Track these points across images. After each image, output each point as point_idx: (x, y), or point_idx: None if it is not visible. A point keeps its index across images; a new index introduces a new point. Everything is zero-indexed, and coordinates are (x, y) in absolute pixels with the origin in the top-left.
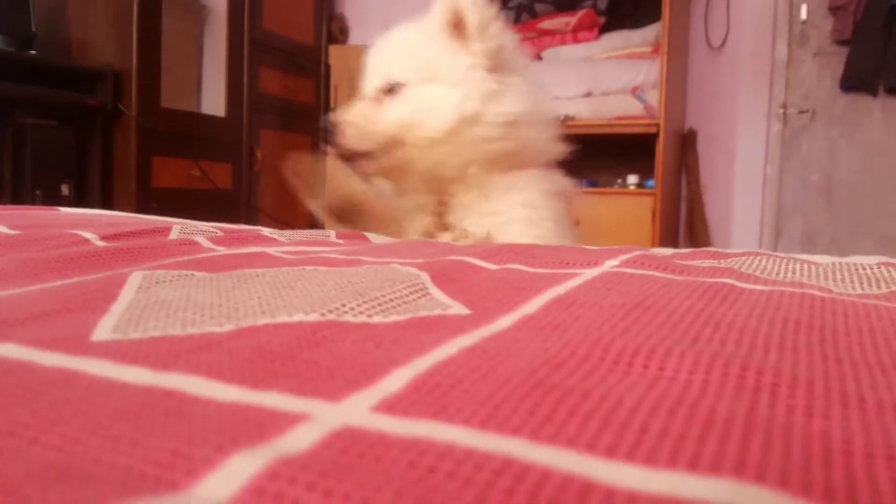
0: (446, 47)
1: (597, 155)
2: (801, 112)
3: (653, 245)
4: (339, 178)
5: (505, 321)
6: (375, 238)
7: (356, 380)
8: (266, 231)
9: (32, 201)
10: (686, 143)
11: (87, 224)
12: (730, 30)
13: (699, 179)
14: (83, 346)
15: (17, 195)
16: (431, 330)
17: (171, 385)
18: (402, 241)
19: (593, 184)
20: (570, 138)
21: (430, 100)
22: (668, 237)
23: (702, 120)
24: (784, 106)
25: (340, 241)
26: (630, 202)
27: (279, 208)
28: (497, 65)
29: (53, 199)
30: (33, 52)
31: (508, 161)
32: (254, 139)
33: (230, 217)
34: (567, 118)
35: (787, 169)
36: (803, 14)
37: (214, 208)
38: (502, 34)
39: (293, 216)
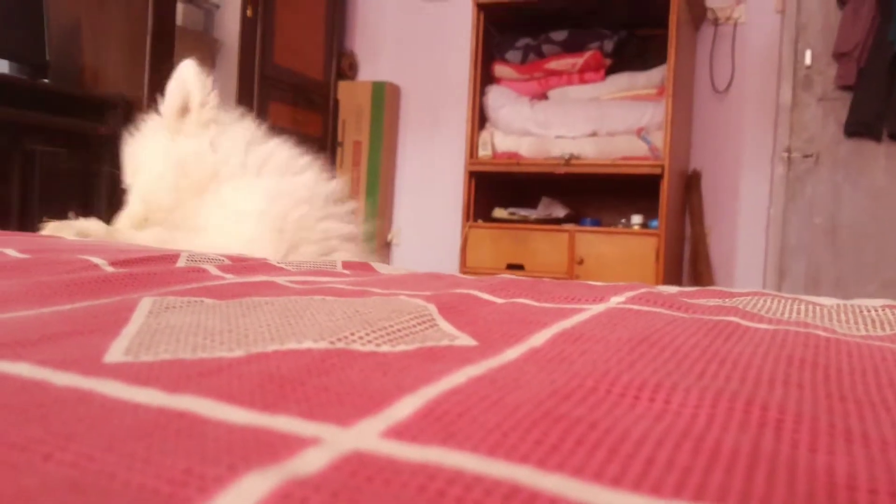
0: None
1: (601, 194)
2: (806, 156)
3: (656, 284)
4: None
5: (512, 353)
6: (382, 269)
7: (365, 406)
8: (273, 260)
9: (40, 227)
10: (690, 184)
11: (95, 250)
12: (735, 73)
13: (703, 221)
14: (95, 367)
15: (25, 220)
16: (439, 360)
17: (182, 406)
18: (410, 273)
19: (597, 223)
20: (576, 177)
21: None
22: (672, 277)
23: (706, 162)
24: (788, 150)
25: (347, 272)
26: (634, 242)
27: None
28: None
29: None
30: (46, 80)
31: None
32: None
33: None
34: (572, 157)
35: (791, 211)
36: (808, 59)
37: None
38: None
39: None
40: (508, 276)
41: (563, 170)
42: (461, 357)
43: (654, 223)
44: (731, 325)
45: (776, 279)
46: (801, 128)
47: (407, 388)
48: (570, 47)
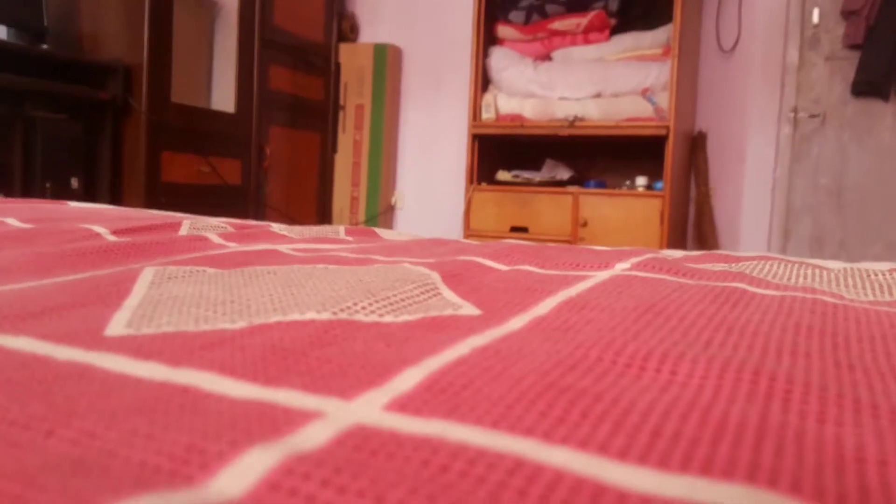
0: None
1: (606, 156)
2: (812, 116)
3: (660, 247)
4: None
5: (516, 322)
6: (385, 235)
7: (368, 378)
8: (276, 227)
9: (42, 194)
10: (696, 145)
11: (97, 218)
12: (741, 32)
13: (708, 182)
14: (97, 341)
15: (27, 187)
16: (443, 330)
17: (184, 381)
18: (413, 239)
19: (602, 184)
20: (580, 139)
21: None
22: (677, 239)
23: (712, 122)
24: (795, 109)
25: (350, 239)
26: (639, 204)
27: (288, 204)
28: None
29: (63, 192)
30: (45, 46)
31: None
32: (263, 136)
33: (238, 212)
34: (576, 119)
35: (796, 172)
36: (815, 18)
37: (223, 203)
38: None
39: (302, 212)
40: (513, 241)
41: (567, 132)
42: (465, 327)
43: (659, 185)
44: (737, 292)
45: (781, 241)
46: (807, 87)
47: (410, 360)
48: (574, 7)
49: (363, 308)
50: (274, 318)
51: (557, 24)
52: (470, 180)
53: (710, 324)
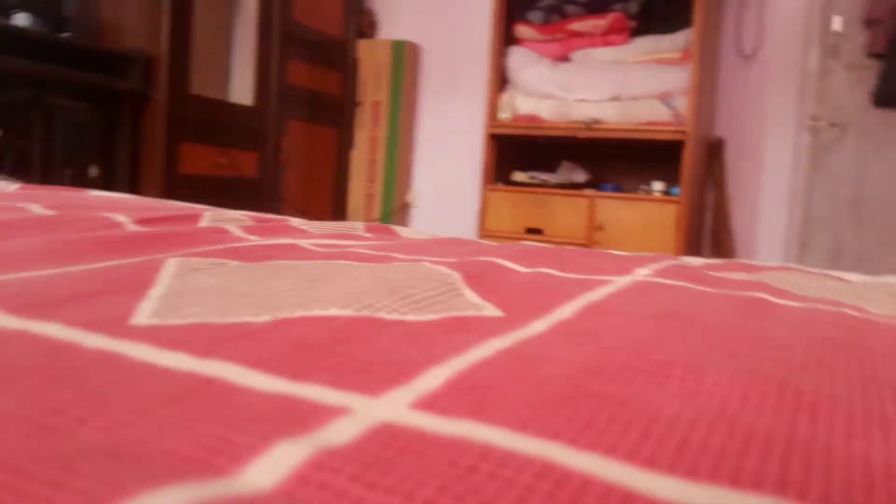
0: None
1: (622, 160)
2: (832, 125)
3: (676, 254)
4: None
5: (539, 325)
6: (404, 232)
7: (393, 376)
8: (295, 221)
9: (60, 181)
10: (714, 151)
11: (119, 207)
12: (762, 38)
13: (726, 189)
14: (124, 330)
15: (46, 174)
16: (466, 330)
17: (212, 372)
18: (432, 238)
19: (618, 188)
20: (597, 141)
21: None
22: (693, 246)
23: (730, 129)
24: (814, 118)
25: (369, 235)
26: (655, 209)
27: (304, 199)
28: None
29: (81, 180)
30: (65, 34)
31: None
32: (280, 129)
33: (254, 206)
34: (594, 121)
35: (815, 182)
36: (837, 25)
37: (239, 196)
38: None
39: (317, 207)
40: (531, 243)
41: (584, 134)
42: (488, 328)
43: (676, 190)
44: (760, 302)
45: (798, 251)
46: (828, 96)
47: (435, 359)
48: (594, 8)
49: (386, 306)
50: (298, 313)
51: (577, 25)
52: (486, 180)
53: (734, 333)
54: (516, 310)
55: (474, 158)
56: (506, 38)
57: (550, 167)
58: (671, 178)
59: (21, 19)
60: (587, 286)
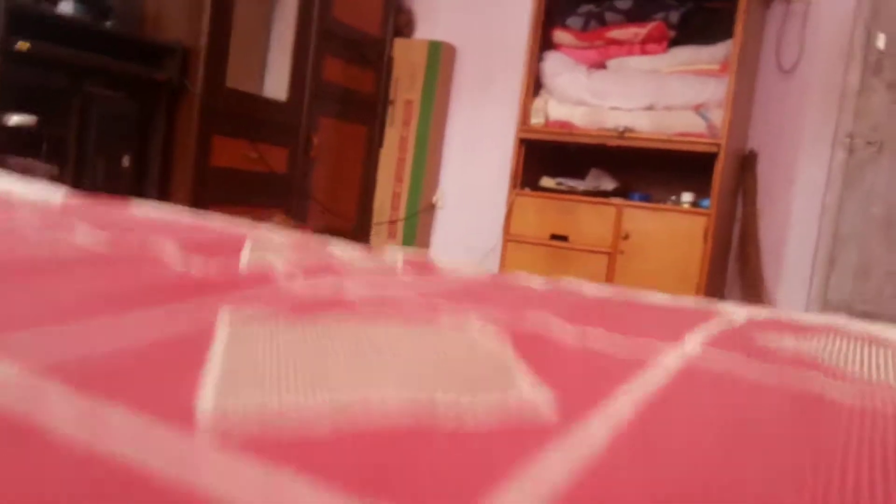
0: None
1: (653, 169)
2: (869, 143)
3: (702, 266)
4: None
5: (597, 428)
6: (444, 267)
7: (461, 498)
8: (335, 251)
9: (94, 170)
10: (746, 164)
11: (165, 230)
12: (803, 53)
13: (756, 202)
14: (190, 423)
15: (80, 162)
16: (522, 437)
17: (285, 487)
18: (474, 278)
19: (647, 197)
20: (628, 150)
21: None
22: (719, 258)
23: (764, 142)
24: (851, 135)
25: (409, 275)
26: (683, 220)
27: (331, 195)
28: None
29: (115, 169)
30: (108, 23)
31: None
32: (312, 125)
33: (282, 201)
34: (626, 129)
35: (847, 199)
36: (881, 43)
37: (268, 191)
38: None
39: (344, 204)
40: (573, 282)
41: (616, 142)
42: (545, 434)
43: (705, 203)
44: (817, 400)
45: (825, 268)
46: (866, 114)
47: (499, 476)
48: (634, 16)
49: (442, 394)
50: (355, 396)
51: (615, 33)
52: (513, 184)
53: (797, 449)
54: (571, 398)
55: (503, 162)
56: (543, 43)
57: (580, 174)
58: (701, 190)
59: (66, 7)
60: (640, 365)
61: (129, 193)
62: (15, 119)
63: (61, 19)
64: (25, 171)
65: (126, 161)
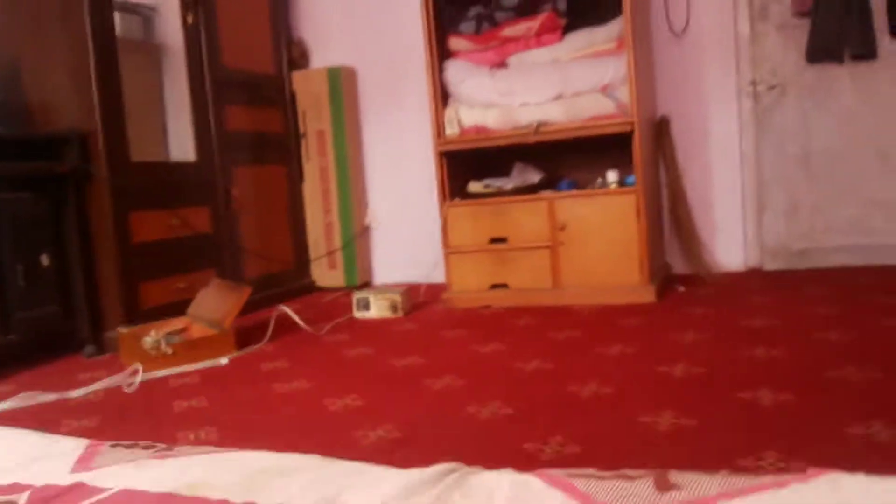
0: None
1: (574, 154)
2: (771, 87)
3: (640, 241)
4: None
5: None
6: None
7: None
8: None
9: (13, 275)
10: (660, 131)
11: None
12: (690, 13)
13: (677, 165)
14: None
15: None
16: None
17: None
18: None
19: (574, 184)
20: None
21: None
22: (654, 229)
23: (673, 106)
24: (753, 82)
25: None
26: (614, 202)
27: (263, 242)
28: None
29: (35, 271)
30: None
31: None
32: (228, 178)
33: (214, 261)
34: (541, 124)
35: (763, 144)
36: None
37: (198, 254)
38: None
39: (278, 248)
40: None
41: (533, 139)
42: None
43: (631, 179)
44: None
45: (756, 214)
46: (762, 59)
47: None
48: (523, 11)
49: None
50: None
51: (508, 31)
52: (442, 197)
53: None
54: None
55: (427, 172)
56: (441, 53)
57: (504, 170)
58: (624, 165)
59: None
60: None
61: (53, 291)
62: None
63: None
64: None
65: (45, 259)
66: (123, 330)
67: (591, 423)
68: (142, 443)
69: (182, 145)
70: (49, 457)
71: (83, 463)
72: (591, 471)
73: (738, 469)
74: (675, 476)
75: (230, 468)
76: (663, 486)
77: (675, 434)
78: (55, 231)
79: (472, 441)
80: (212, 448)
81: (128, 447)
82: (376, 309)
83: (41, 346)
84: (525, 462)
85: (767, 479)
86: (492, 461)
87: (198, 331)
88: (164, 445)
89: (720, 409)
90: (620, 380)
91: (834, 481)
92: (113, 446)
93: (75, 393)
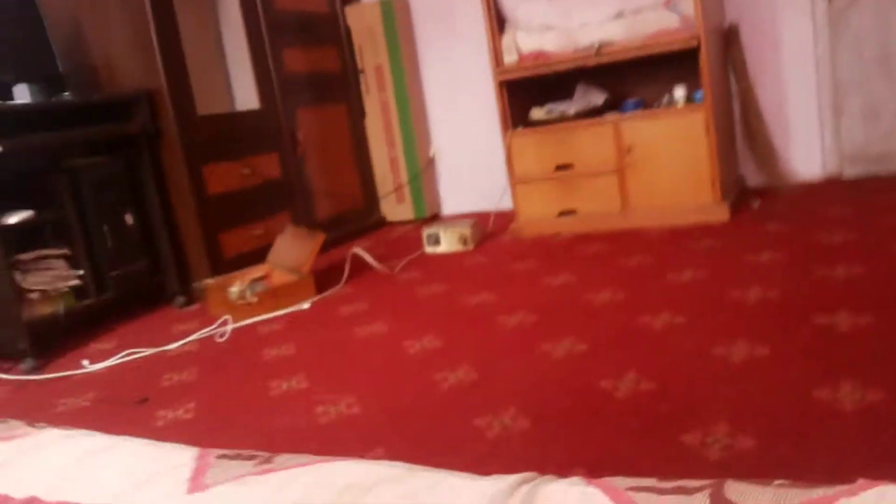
0: None
1: (638, 71)
2: None
3: (711, 160)
4: None
5: None
6: None
7: None
8: None
9: (101, 237)
10: (729, 40)
11: None
12: None
13: (748, 74)
14: None
15: (86, 234)
16: None
17: None
18: None
19: (640, 103)
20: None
21: None
22: (726, 145)
23: (742, 12)
24: None
25: None
26: (681, 121)
27: (332, 182)
28: None
29: (120, 230)
30: (66, 93)
31: None
32: (292, 122)
33: (286, 204)
34: (602, 44)
35: (838, 47)
36: None
37: (270, 200)
38: None
39: (345, 185)
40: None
41: (594, 61)
42: None
43: (699, 95)
44: None
45: (833, 118)
46: None
47: None
48: None
49: None
50: None
51: None
52: (505, 126)
53: None
54: None
55: (488, 99)
56: None
57: (567, 94)
58: (692, 79)
59: (20, 91)
60: None
61: (139, 248)
62: (13, 218)
63: (22, 110)
64: (39, 263)
65: (129, 218)
66: (210, 281)
67: (664, 357)
68: (244, 452)
69: (246, 95)
70: (161, 474)
71: (196, 481)
72: (652, 481)
73: (813, 401)
74: (730, 488)
75: (325, 483)
76: (719, 502)
77: (748, 366)
78: (134, 190)
79: (548, 381)
80: (307, 458)
81: (232, 458)
82: (446, 243)
83: (135, 300)
84: (601, 401)
85: (818, 491)
86: (566, 401)
87: (278, 277)
88: (265, 454)
89: (795, 335)
90: (692, 308)
91: (881, 494)
92: (219, 457)
93: (173, 346)
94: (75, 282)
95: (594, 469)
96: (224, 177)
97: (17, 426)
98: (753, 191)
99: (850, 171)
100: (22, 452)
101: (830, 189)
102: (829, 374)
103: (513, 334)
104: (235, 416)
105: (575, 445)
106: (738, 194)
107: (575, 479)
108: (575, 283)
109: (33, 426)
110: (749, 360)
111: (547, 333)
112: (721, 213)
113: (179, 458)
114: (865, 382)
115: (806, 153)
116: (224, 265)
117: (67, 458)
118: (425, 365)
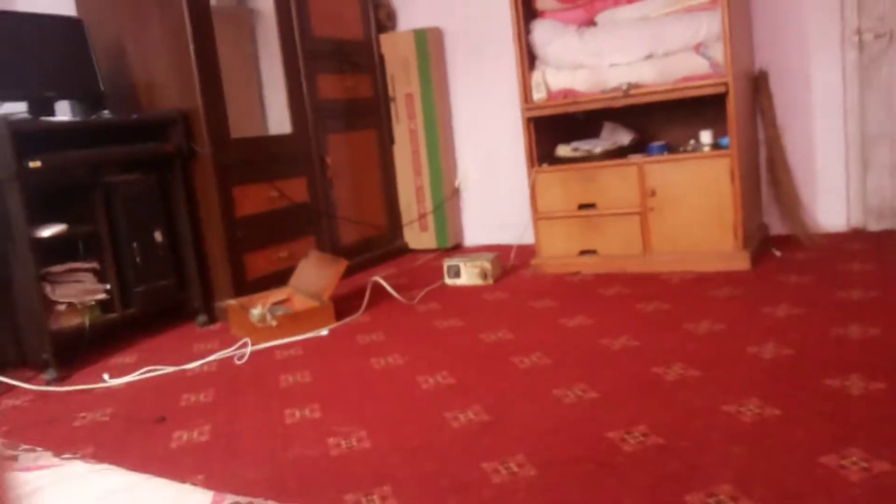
0: None
1: (665, 113)
2: (878, 36)
3: (735, 206)
4: None
5: None
6: None
7: None
8: None
9: (131, 253)
10: (758, 85)
11: None
12: None
13: (776, 122)
14: None
15: (116, 250)
16: None
17: None
18: None
19: (665, 147)
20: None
21: None
22: (750, 193)
23: (772, 59)
24: (858, 31)
25: None
26: (706, 166)
27: (357, 208)
28: None
29: (149, 247)
30: (106, 111)
31: None
32: (322, 147)
33: (312, 227)
34: (630, 86)
35: (868, 97)
36: None
37: (296, 224)
38: None
39: (371, 213)
40: None
41: (622, 102)
42: None
43: (725, 141)
44: None
45: (860, 172)
46: (870, 6)
47: None
48: None
49: None
50: None
51: None
52: (531, 163)
53: None
54: None
55: (514, 133)
56: (527, 13)
57: (594, 132)
58: (719, 125)
59: (62, 108)
60: None
61: (167, 265)
62: (47, 231)
63: (63, 127)
64: (69, 276)
65: (158, 236)
66: (232, 302)
67: (674, 411)
68: (256, 500)
69: (279, 119)
70: None
71: None
72: None
73: (820, 467)
74: None
75: None
76: None
77: (757, 426)
78: (165, 209)
79: (558, 428)
80: None
81: None
82: (467, 276)
83: (158, 316)
84: (608, 453)
85: None
86: (574, 451)
87: (299, 302)
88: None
89: (807, 397)
90: (706, 361)
91: None
92: None
93: (192, 365)
94: (102, 295)
95: None
96: (252, 199)
97: (44, 456)
98: (776, 239)
99: (875, 225)
100: (47, 485)
101: (854, 241)
102: (838, 439)
103: (526, 376)
104: (248, 442)
105: (579, 499)
106: (760, 242)
107: None
108: (591, 326)
109: (59, 457)
110: (759, 419)
111: (560, 378)
112: (742, 262)
113: (195, 501)
114: (873, 452)
115: (831, 204)
116: (247, 286)
117: (89, 496)
118: (437, 401)
